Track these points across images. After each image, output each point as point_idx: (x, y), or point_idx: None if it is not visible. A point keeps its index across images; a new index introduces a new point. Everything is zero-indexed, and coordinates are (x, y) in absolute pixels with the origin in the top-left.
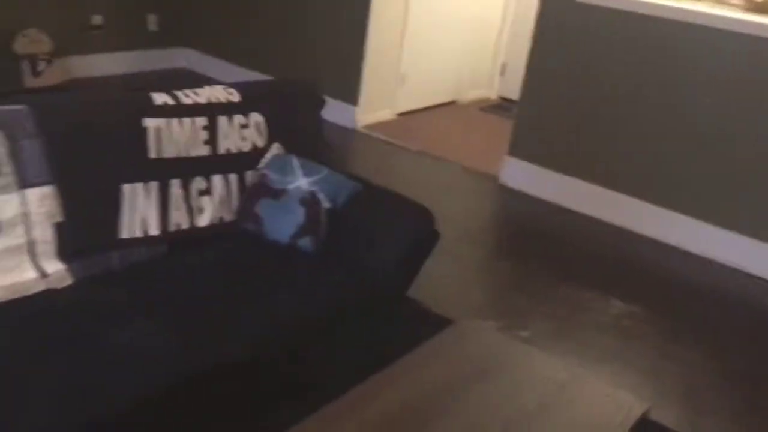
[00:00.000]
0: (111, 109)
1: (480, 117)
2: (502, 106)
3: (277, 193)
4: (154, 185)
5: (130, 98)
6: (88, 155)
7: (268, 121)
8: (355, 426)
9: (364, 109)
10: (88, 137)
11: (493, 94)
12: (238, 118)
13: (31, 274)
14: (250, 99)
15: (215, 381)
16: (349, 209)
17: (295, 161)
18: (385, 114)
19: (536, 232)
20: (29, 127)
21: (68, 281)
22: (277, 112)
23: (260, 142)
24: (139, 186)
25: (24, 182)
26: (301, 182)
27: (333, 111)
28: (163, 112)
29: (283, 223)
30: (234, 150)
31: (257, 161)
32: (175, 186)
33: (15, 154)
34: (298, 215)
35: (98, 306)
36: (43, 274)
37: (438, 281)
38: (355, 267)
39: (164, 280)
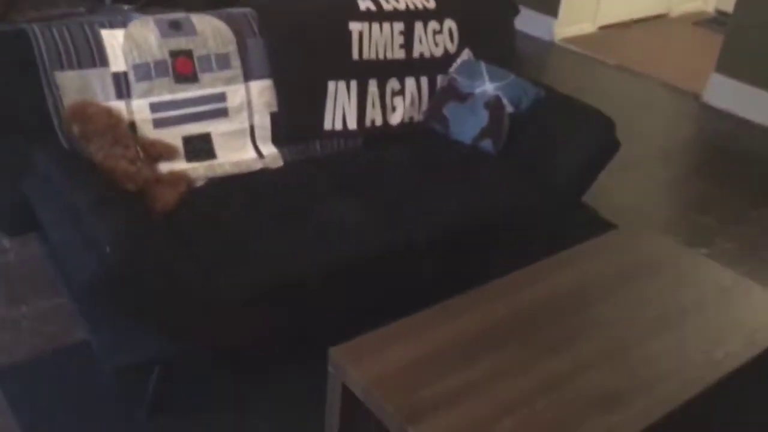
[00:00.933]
0: (322, 13)
1: (690, 32)
2: (718, 20)
3: (464, 97)
4: (354, 84)
5: (339, 3)
6: (301, 54)
7: (460, 27)
8: (506, 308)
9: (563, 21)
10: (302, 38)
11: (709, 7)
12: (433, 24)
13: (251, 154)
14: (445, 5)
15: (403, 258)
16: (531, 114)
17: (483, 66)
18: (586, 27)
19: (737, 155)
20: (254, 28)
21: (280, 163)
22: (469, 19)
23: (452, 48)
24: (342, 84)
25: (248, 75)
26: (487, 87)
27: (530, 22)
28: (366, 16)
29: (467, 125)
30: (427, 54)
31: (448, 65)
32: (372, 86)
33: (242, 51)
34: (482, 118)
35: (305, 185)
36: (261, 155)
37: (622, 195)
38: (533, 170)
39: (360, 168)
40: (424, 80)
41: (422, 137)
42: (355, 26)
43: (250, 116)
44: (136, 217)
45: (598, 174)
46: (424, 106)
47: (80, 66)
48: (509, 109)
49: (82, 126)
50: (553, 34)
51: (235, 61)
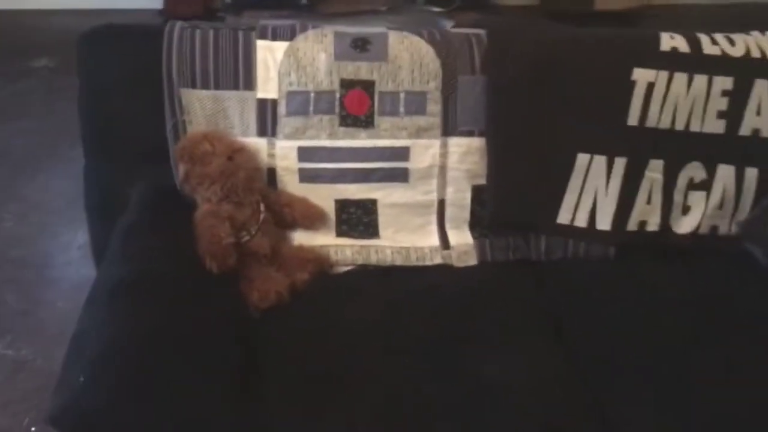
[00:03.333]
0: (591, 48)
1: None
2: None
3: None
4: (622, 162)
5: (626, 35)
6: (541, 105)
7: None
8: None
9: None
10: (547, 82)
11: None
12: None
13: (432, 240)
14: None
15: None
16: None
17: None
18: None
19: None
20: (474, 59)
21: (470, 261)
22: None
23: None
24: (601, 159)
25: (450, 128)
26: None
27: None
28: (668, 61)
29: None
30: (765, 133)
31: None
32: (655, 169)
33: (447, 90)
34: None
35: (501, 305)
36: (446, 245)
37: None
38: None
39: (597, 292)
40: (751, 173)
41: (725, 262)
42: (643, 74)
43: (442, 186)
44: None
45: None
46: (743, 213)
47: (217, 85)
48: None
49: (190, 167)
50: None
51: (434, 105)
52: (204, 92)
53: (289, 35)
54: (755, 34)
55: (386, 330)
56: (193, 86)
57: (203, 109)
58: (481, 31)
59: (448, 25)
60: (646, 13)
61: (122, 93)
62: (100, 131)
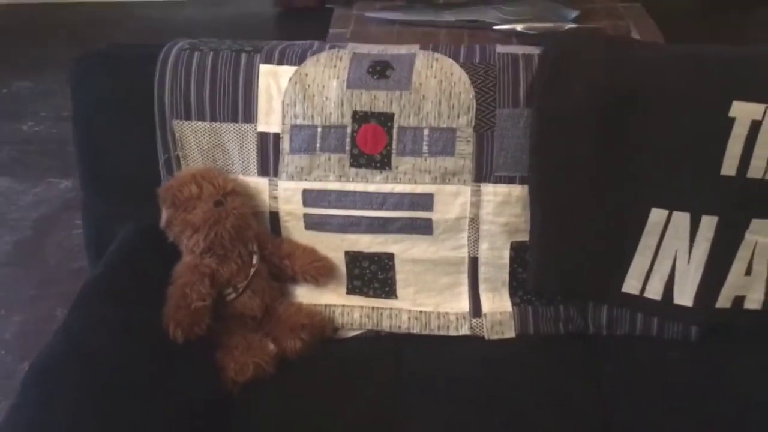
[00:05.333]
0: (677, 74)
1: None
2: None
3: None
4: (712, 222)
5: (726, 57)
6: (599, 147)
7: None
8: None
9: None
10: (607, 117)
11: None
12: None
13: (461, 305)
14: None
15: None
16: None
17: None
18: None
19: None
20: (518, 87)
21: (507, 332)
22: None
23: None
24: (682, 217)
25: (484, 172)
26: None
27: None
28: None
29: None
30: None
31: None
32: (759, 231)
33: (482, 127)
34: None
35: (523, 402)
36: (476, 311)
37: None
38: None
39: (671, 384)
40: None
41: None
42: (745, 109)
43: (474, 242)
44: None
45: None
46: None
47: (214, 116)
48: None
49: (173, 212)
50: None
51: (465, 145)
52: (200, 124)
53: (299, 58)
54: None
55: (382, 427)
56: (188, 118)
57: (199, 143)
58: (535, 51)
59: (571, 15)
60: None
61: (115, 123)
62: (93, 163)
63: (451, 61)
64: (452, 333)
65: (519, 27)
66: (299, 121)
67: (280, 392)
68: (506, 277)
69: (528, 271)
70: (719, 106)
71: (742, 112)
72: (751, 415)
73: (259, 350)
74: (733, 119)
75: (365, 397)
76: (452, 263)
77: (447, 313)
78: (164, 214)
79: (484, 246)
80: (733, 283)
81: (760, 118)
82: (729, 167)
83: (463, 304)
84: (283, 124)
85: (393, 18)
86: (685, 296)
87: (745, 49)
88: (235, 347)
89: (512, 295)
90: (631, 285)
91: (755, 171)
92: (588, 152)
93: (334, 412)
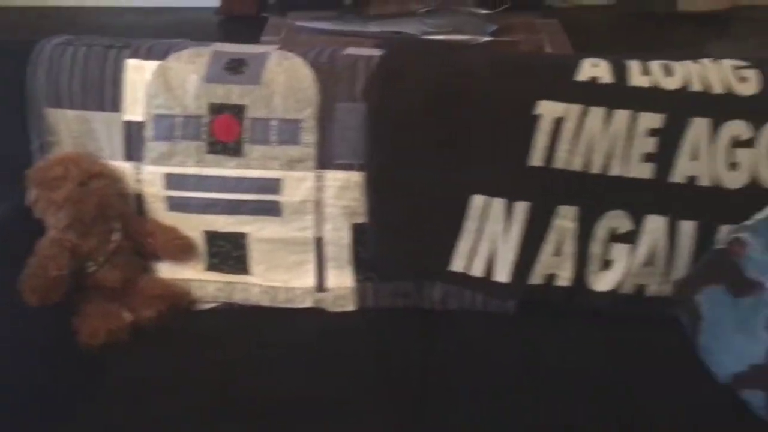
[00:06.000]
0: (493, 76)
1: None
2: None
3: (744, 285)
4: (523, 207)
5: (538, 64)
6: (426, 139)
7: None
8: None
9: None
10: (438, 112)
11: None
12: (736, 127)
13: (308, 280)
14: None
15: None
16: None
17: None
18: None
19: None
20: (355, 84)
21: (348, 305)
22: None
23: None
24: (499, 203)
25: (326, 159)
26: None
27: None
28: (583, 93)
29: (730, 344)
30: (704, 182)
31: (751, 210)
32: (566, 216)
33: (324, 120)
34: (759, 345)
35: (352, 366)
36: (321, 286)
37: None
38: None
39: (476, 353)
40: (687, 226)
41: (646, 329)
42: (549, 108)
43: (319, 223)
44: None
45: None
46: (678, 272)
47: (84, 105)
48: None
49: (39, 191)
50: None
51: (309, 135)
52: (70, 112)
53: (163, 54)
54: (705, 61)
55: (222, 389)
56: (60, 106)
57: (69, 130)
58: (377, 53)
59: (490, 29)
60: (734, 14)
61: None
62: None
63: (300, 59)
64: (297, 305)
65: (438, 38)
66: (161, 111)
67: (134, 356)
68: (349, 255)
69: (367, 251)
70: (526, 105)
71: (547, 110)
72: (555, 381)
73: (114, 318)
74: (539, 116)
75: (212, 361)
76: (300, 243)
77: (294, 288)
78: (31, 193)
79: (328, 227)
80: (545, 262)
81: (563, 116)
82: (537, 158)
83: (310, 280)
84: (147, 113)
85: (322, 28)
86: (503, 274)
87: (552, 55)
88: (90, 314)
89: (355, 272)
90: (457, 264)
91: (560, 162)
92: (415, 144)
93: (184, 373)
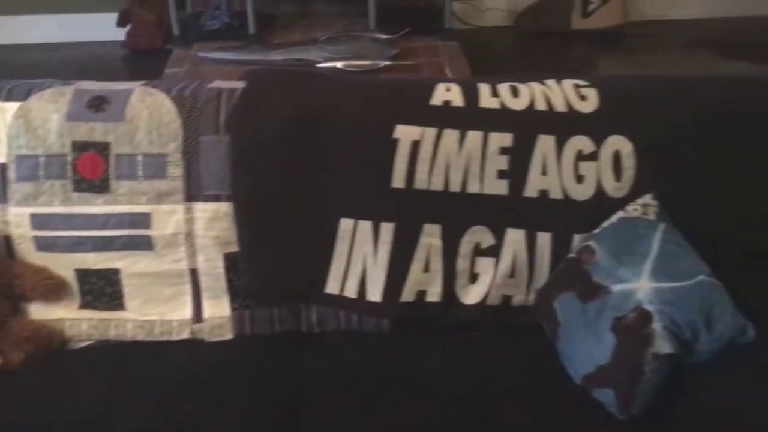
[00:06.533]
0: (351, 103)
1: None
2: None
3: (590, 291)
4: (389, 228)
5: (393, 85)
6: (290, 166)
7: (642, 152)
8: None
9: None
10: (301, 141)
11: None
12: (579, 142)
13: (184, 312)
14: (617, 108)
15: None
16: (721, 370)
17: (658, 238)
18: None
19: None
20: (219, 117)
21: (225, 334)
22: (672, 140)
23: (614, 189)
24: (366, 225)
25: (194, 192)
26: (640, 284)
27: None
28: (437, 116)
29: (580, 348)
30: (556, 194)
31: (599, 219)
32: (431, 234)
33: (189, 152)
34: (604, 346)
35: (227, 392)
36: (198, 317)
37: None
38: None
39: (361, 373)
40: (543, 238)
41: (512, 337)
42: (406, 132)
43: (192, 255)
44: None
45: None
46: (539, 281)
47: None
48: (662, 346)
49: None
50: None
51: (175, 168)
52: None
53: (25, 95)
54: (549, 82)
55: (96, 428)
56: None
57: None
58: (240, 85)
59: (390, 53)
60: (628, 31)
61: None
62: None
63: (163, 95)
64: (174, 338)
65: (339, 64)
66: (23, 152)
67: (2, 400)
68: (224, 285)
69: (241, 279)
70: (385, 130)
71: (404, 134)
72: (426, 393)
73: None
74: (397, 140)
75: (85, 400)
76: (174, 275)
77: (170, 321)
78: None
79: (201, 258)
80: (414, 279)
81: (419, 139)
82: (398, 180)
83: (187, 312)
84: (9, 155)
85: (225, 58)
86: (375, 293)
87: (408, 80)
88: None
89: (232, 300)
90: (332, 286)
91: (421, 183)
92: (280, 172)
93: (57, 414)
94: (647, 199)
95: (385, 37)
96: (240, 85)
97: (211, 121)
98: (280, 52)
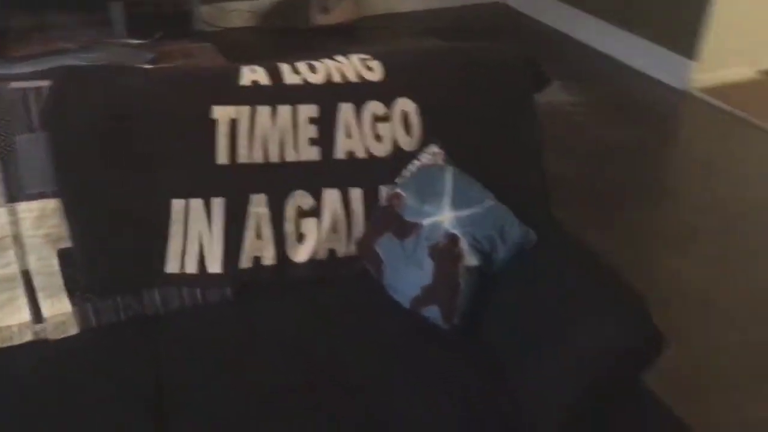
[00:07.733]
0: (165, 90)
1: None
2: None
3: (405, 228)
4: (219, 202)
5: (204, 73)
6: (113, 156)
7: (423, 110)
8: None
9: (708, 63)
10: (121, 131)
11: None
12: (373, 107)
13: (23, 315)
14: (399, 75)
15: None
16: (513, 274)
17: (449, 178)
18: (742, 72)
19: None
20: (31, 115)
21: (70, 330)
22: (444, 97)
23: (407, 143)
24: (197, 203)
25: (16, 193)
26: (444, 215)
27: (656, 63)
28: (249, 95)
29: (405, 277)
30: (361, 154)
31: (399, 170)
32: (259, 204)
33: (4, 154)
34: (425, 270)
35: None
36: (38, 318)
37: None
38: (503, 375)
39: (214, 343)
40: (355, 193)
41: (343, 285)
42: (223, 112)
43: (22, 256)
44: None
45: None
46: (358, 230)
47: None
48: (470, 260)
49: None
50: (687, 81)
51: None
52: None
53: None
54: (340, 58)
55: None
56: None
57: None
58: (45, 83)
59: (147, 57)
60: (362, 24)
61: None
62: None
63: None
64: (16, 342)
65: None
66: None
67: None
68: (61, 282)
69: (78, 273)
70: (202, 112)
71: (221, 114)
72: (273, 351)
73: None
74: (215, 120)
75: None
76: (6, 280)
77: (10, 326)
78: None
79: (32, 258)
80: (249, 247)
81: (236, 117)
82: (222, 157)
83: (25, 315)
84: None
85: None
86: (215, 266)
87: (218, 67)
88: None
89: (71, 296)
90: (172, 266)
91: (242, 157)
92: (102, 164)
93: None
94: (434, 148)
95: (137, 42)
96: (44, 83)
97: (23, 120)
98: (28, 65)
